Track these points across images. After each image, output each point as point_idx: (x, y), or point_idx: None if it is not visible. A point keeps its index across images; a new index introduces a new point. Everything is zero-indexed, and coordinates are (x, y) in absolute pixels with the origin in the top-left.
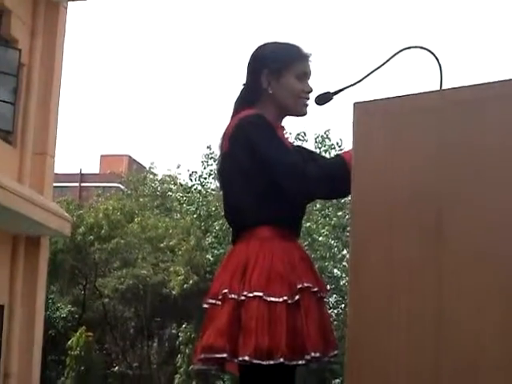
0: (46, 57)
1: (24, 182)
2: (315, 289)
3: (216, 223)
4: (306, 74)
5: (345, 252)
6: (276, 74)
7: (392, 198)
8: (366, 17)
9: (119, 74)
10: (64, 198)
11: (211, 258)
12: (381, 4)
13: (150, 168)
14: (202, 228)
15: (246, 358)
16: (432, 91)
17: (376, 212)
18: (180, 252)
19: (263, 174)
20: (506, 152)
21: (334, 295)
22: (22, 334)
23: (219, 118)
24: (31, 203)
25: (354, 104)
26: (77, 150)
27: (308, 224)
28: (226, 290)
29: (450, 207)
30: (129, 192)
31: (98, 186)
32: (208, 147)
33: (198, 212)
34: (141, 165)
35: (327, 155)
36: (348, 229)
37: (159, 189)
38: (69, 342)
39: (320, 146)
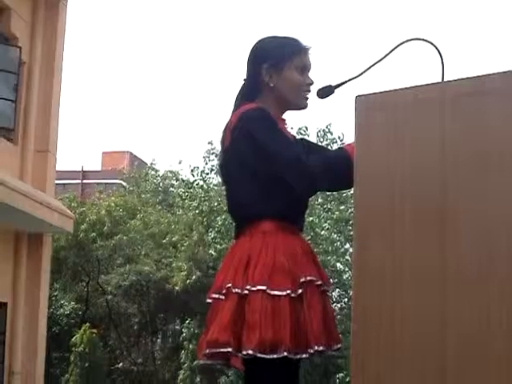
0: (47, 54)
1: (26, 180)
2: (319, 282)
3: (218, 218)
4: (306, 67)
5: (347, 246)
6: (276, 67)
7: (395, 190)
8: (367, 9)
9: (120, 70)
10: (66, 195)
11: (214, 254)
12: None
13: (151, 164)
14: (205, 223)
15: (250, 351)
16: (434, 83)
17: (379, 205)
18: (183, 248)
19: (265, 167)
20: (508, 143)
21: (337, 289)
22: (25, 332)
23: (220, 113)
24: (33, 200)
25: (356, 97)
26: (78, 147)
27: (310, 218)
28: (229, 285)
29: (453, 199)
30: (131, 188)
31: (100, 183)
32: (209, 143)
33: (200, 207)
34: (142, 161)
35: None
36: (351, 222)
37: (161, 185)
38: (73, 339)
39: (322, 139)
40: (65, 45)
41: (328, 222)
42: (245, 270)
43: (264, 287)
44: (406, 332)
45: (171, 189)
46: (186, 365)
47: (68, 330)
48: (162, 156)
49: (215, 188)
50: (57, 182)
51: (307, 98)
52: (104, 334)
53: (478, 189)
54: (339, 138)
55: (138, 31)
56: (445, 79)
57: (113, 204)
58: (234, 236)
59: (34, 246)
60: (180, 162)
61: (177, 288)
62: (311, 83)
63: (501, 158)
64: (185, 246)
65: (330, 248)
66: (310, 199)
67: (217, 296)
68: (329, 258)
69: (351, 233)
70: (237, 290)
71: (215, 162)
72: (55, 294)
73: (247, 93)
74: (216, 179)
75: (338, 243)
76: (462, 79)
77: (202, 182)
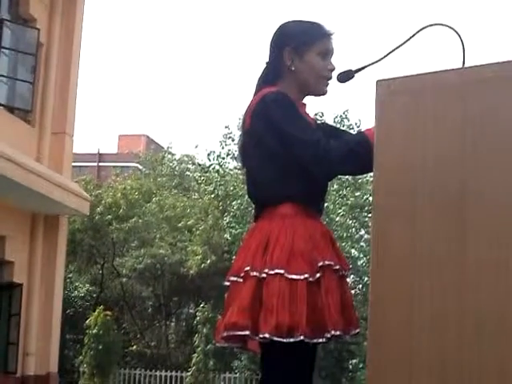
0: (65, 36)
1: (43, 162)
2: (337, 266)
3: (234, 203)
4: (328, 52)
5: (362, 232)
6: (299, 51)
7: (414, 176)
8: None
9: (139, 53)
10: (82, 177)
11: (229, 238)
12: None
13: (167, 148)
14: (220, 208)
15: (267, 335)
16: (454, 69)
17: (398, 190)
18: (198, 232)
19: (285, 151)
20: None
21: (352, 276)
22: (40, 313)
23: (237, 97)
24: (50, 182)
25: (377, 81)
26: (95, 129)
27: (325, 204)
28: (248, 268)
29: (473, 184)
30: (147, 172)
31: (116, 166)
32: (226, 127)
33: (216, 192)
34: (159, 144)
35: None
36: (366, 209)
37: (177, 168)
38: (87, 321)
39: (338, 126)
40: (83, 27)
41: (343, 208)
42: (263, 253)
43: (282, 271)
44: (423, 319)
45: (187, 173)
46: (199, 348)
47: (82, 312)
48: (178, 140)
49: (231, 172)
50: (73, 164)
51: (328, 84)
52: (118, 317)
53: (499, 174)
54: (356, 124)
55: (157, 15)
56: (466, 65)
57: (129, 187)
58: (253, 219)
59: (50, 227)
60: (196, 146)
61: (191, 272)
62: (333, 69)
63: None
64: (200, 230)
65: (345, 234)
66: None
67: (235, 279)
68: (343, 244)
69: (366, 219)
70: (255, 273)
71: (231, 146)
72: (70, 276)
73: (268, 76)
74: (232, 164)
75: (353, 229)
76: (483, 65)
77: (218, 167)
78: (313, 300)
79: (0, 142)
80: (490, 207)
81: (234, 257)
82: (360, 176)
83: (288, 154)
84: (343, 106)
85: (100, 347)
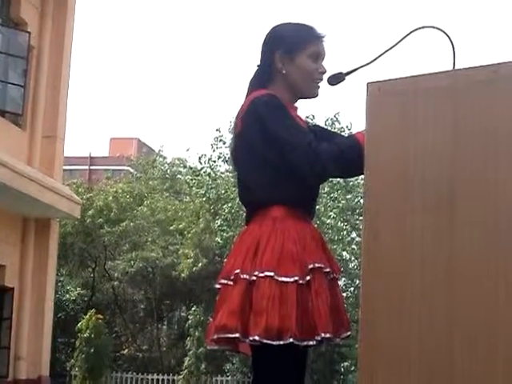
0: (56, 39)
1: (34, 165)
2: (327, 269)
3: (225, 206)
4: (319, 55)
5: (354, 235)
6: (290, 54)
7: (405, 177)
8: None
9: (130, 57)
10: (74, 180)
11: (220, 241)
12: None
13: (159, 151)
14: (211, 211)
15: (257, 337)
16: (445, 71)
17: (389, 192)
18: (189, 235)
19: (276, 154)
20: None
21: (343, 278)
22: (31, 317)
23: (228, 101)
24: (41, 186)
25: (368, 84)
26: (86, 132)
27: (317, 207)
28: (238, 270)
29: (464, 187)
30: (138, 175)
31: (108, 169)
32: (217, 130)
33: (208, 195)
34: (150, 148)
35: None
36: (357, 211)
37: (168, 172)
38: (78, 325)
39: (329, 129)
40: (74, 31)
41: (334, 210)
42: (254, 255)
43: (272, 273)
44: (414, 320)
45: (178, 176)
46: (191, 351)
47: (74, 316)
48: (169, 143)
49: (222, 176)
50: (64, 167)
51: (319, 87)
52: (110, 320)
53: (488, 177)
54: (347, 127)
55: (147, 19)
56: (456, 67)
57: (120, 190)
58: (244, 222)
59: (41, 231)
60: (188, 150)
61: (183, 275)
62: (324, 72)
63: (511, 146)
64: (191, 233)
65: (336, 237)
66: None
67: (225, 281)
68: (335, 246)
69: (357, 221)
70: (245, 275)
71: (223, 149)
72: (61, 279)
73: (260, 79)
74: (223, 167)
75: (345, 232)
76: (474, 67)
77: (209, 170)
78: (303, 303)
79: None
80: (481, 208)
81: (225, 260)
82: (351, 178)
83: (279, 157)
84: (334, 108)
85: (91, 351)
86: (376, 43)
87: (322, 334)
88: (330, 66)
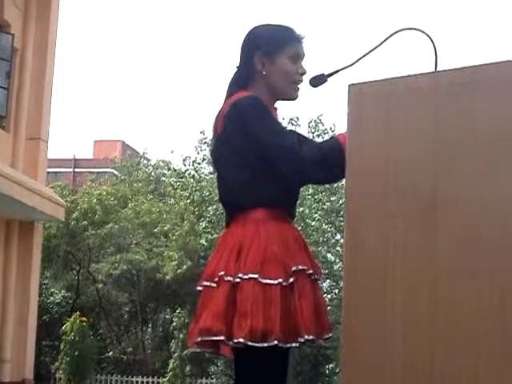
0: (39, 41)
1: (17, 167)
2: (310, 271)
3: (210, 208)
4: (299, 56)
5: (338, 237)
6: (269, 55)
7: (387, 180)
8: None
9: (113, 59)
10: (58, 183)
11: (205, 243)
12: None
13: (143, 153)
14: (196, 213)
15: (241, 340)
16: (426, 73)
17: (371, 194)
18: (174, 237)
19: (258, 155)
20: (499, 133)
21: (328, 280)
22: (16, 320)
23: (212, 103)
24: (25, 188)
25: (349, 86)
26: (70, 135)
27: (301, 209)
28: (222, 273)
29: (445, 189)
30: (122, 177)
31: (92, 172)
32: (201, 132)
33: (192, 197)
34: (134, 150)
35: (320, 140)
36: (341, 213)
37: (153, 174)
38: (63, 328)
39: (313, 130)
40: (58, 32)
41: (319, 212)
42: (237, 258)
43: (256, 276)
44: (396, 322)
45: (163, 178)
46: (176, 354)
47: (58, 319)
48: (154, 145)
49: (207, 178)
50: (48, 170)
51: (298, 89)
52: (94, 323)
53: (469, 179)
54: (331, 128)
55: (130, 20)
56: (438, 69)
57: (104, 193)
58: (225, 224)
59: (24, 233)
60: (172, 152)
61: (167, 277)
62: (303, 73)
63: (493, 149)
64: (176, 235)
65: (321, 239)
66: (302, 189)
67: (208, 284)
68: (319, 248)
69: (342, 223)
70: (229, 278)
71: (207, 151)
72: (46, 282)
73: (240, 80)
74: (208, 169)
75: (329, 234)
76: (455, 69)
77: (193, 172)
78: (286, 304)
79: None
80: (461, 210)
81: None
82: (338, 181)
83: (261, 158)
84: (318, 110)
85: (76, 353)
86: (358, 45)
87: (306, 336)
88: (312, 67)
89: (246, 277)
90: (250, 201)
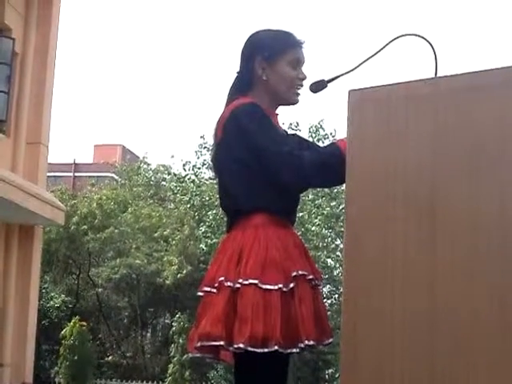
0: (40, 46)
1: (17, 172)
2: (310, 276)
3: (210, 213)
4: (299, 61)
5: (338, 242)
6: (269, 61)
7: (387, 185)
8: (362, 3)
9: (113, 63)
10: (58, 187)
11: (205, 248)
12: None
13: (143, 158)
14: (196, 218)
15: (241, 345)
16: (427, 78)
17: (371, 200)
18: (174, 242)
19: (257, 162)
20: (499, 138)
21: (328, 285)
22: (15, 324)
23: (213, 107)
24: (25, 192)
25: (349, 91)
26: (70, 139)
27: (301, 214)
28: (222, 278)
29: (444, 194)
30: (122, 182)
31: (92, 176)
32: (202, 137)
33: (192, 202)
34: (134, 154)
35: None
36: (341, 218)
37: (153, 178)
38: (62, 332)
39: (314, 135)
40: (58, 37)
41: (319, 217)
42: (237, 263)
43: (256, 281)
44: (396, 328)
45: (163, 183)
46: (175, 359)
47: (58, 323)
48: (154, 150)
49: (207, 182)
50: (48, 174)
51: (299, 94)
52: (94, 327)
53: (469, 184)
54: (331, 134)
55: (131, 24)
56: (438, 75)
57: (104, 197)
58: (226, 229)
59: (24, 237)
60: (172, 156)
61: (167, 282)
62: (304, 78)
63: (492, 154)
64: (176, 240)
65: (321, 244)
66: (301, 194)
67: (209, 289)
68: (319, 253)
69: (342, 229)
70: (229, 283)
71: (207, 156)
72: (45, 286)
73: (240, 86)
74: (208, 174)
75: (329, 239)
76: (455, 75)
77: (193, 177)
78: (287, 310)
79: None
80: (460, 215)
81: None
82: (338, 186)
83: (260, 165)
84: (318, 115)
85: (75, 358)
86: (358, 51)
87: (306, 341)
88: (312, 72)
89: (246, 282)
90: (251, 206)
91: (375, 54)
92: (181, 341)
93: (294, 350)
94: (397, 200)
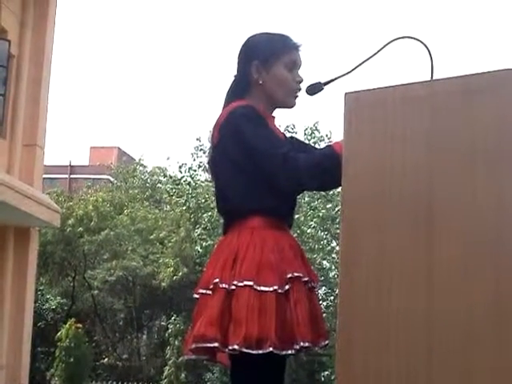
0: (36, 48)
1: (13, 174)
2: (306, 278)
3: (205, 215)
4: (296, 64)
5: (334, 244)
6: (266, 64)
7: (383, 187)
8: (357, 6)
9: (109, 65)
10: (54, 189)
11: (200, 250)
12: None
13: (139, 160)
14: (192, 220)
15: (236, 347)
16: (423, 81)
17: (367, 202)
18: (169, 244)
19: (254, 164)
20: (495, 141)
21: (323, 287)
22: (11, 326)
23: (209, 110)
24: (21, 194)
25: (345, 94)
26: (66, 141)
27: (297, 216)
28: (217, 280)
29: (441, 197)
30: (118, 184)
31: (88, 178)
32: (198, 139)
33: (188, 204)
34: (130, 157)
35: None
36: (337, 220)
37: (149, 181)
38: (58, 334)
39: (309, 138)
40: (54, 39)
41: (314, 220)
42: (232, 265)
43: (251, 283)
44: (392, 330)
45: (159, 185)
46: (171, 361)
47: (53, 325)
48: (150, 152)
49: (203, 185)
50: (44, 176)
51: (296, 97)
52: (89, 329)
53: (466, 187)
54: (327, 136)
55: (127, 26)
56: (434, 77)
57: (100, 199)
58: (222, 232)
59: (20, 239)
60: (168, 159)
61: (163, 284)
62: (301, 81)
63: (488, 157)
64: (172, 242)
65: (317, 246)
66: (298, 197)
67: (204, 291)
68: (315, 255)
69: (338, 231)
70: (224, 285)
71: (203, 158)
72: (41, 288)
73: (237, 89)
74: (203, 176)
75: (325, 241)
76: (451, 77)
77: (189, 179)
78: (282, 312)
79: None
80: (458, 217)
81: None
82: (334, 189)
83: (256, 167)
84: (314, 118)
85: (71, 360)
86: (355, 53)
87: (301, 343)
88: (308, 75)
89: (241, 284)
90: (247, 209)
91: (371, 56)
92: (176, 343)
93: (290, 352)
94: (393, 202)
